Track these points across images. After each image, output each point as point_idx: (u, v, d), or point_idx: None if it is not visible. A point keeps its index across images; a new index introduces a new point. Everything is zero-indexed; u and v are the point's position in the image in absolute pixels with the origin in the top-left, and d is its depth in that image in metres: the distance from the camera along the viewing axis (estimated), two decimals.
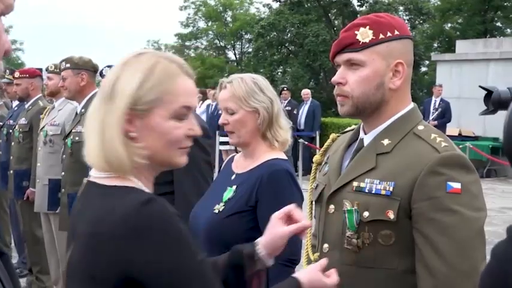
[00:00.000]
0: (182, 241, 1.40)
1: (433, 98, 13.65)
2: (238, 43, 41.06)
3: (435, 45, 35.93)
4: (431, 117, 13.25)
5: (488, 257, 1.75)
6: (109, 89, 1.47)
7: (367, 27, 1.82)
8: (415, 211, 1.73)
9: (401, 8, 34.39)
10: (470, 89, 13.05)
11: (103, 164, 1.46)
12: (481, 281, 1.22)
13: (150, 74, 1.45)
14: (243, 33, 39.55)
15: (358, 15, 31.44)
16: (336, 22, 33.34)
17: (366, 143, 1.90)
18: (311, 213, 2.04)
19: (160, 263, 1.37)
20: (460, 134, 13.97)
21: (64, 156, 4.38)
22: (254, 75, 2.62)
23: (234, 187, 2.49)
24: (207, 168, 3.16)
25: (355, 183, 1.83)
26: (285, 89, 14.73)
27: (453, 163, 1.75)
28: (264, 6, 35.83)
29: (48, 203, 4.57)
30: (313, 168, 2.07)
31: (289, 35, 31.33)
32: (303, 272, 1.66)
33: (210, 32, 40.63)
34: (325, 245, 1.89)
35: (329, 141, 2.08)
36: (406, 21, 34.70)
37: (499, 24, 31.70)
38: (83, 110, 4.39)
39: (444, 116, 13.34)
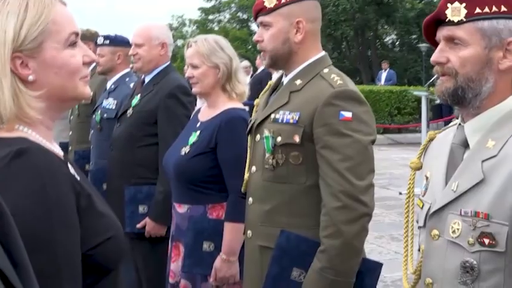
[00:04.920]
0: (47, 200, 1.28)
1: None
2: None
3: None
4: None
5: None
6: None
7: None
8: (315, 135, 2.14)
9: None
10: None
11: None
12: None
13: (25, 12, 1.36)
14: None
15: None
16: None
17: (284, 83, 2.31)
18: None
19: (21, 217, 1.18)
20: None
21: (72, 117, 4.81)
22: (217, 36, 3.07)
23: (198, 132, 2.90)
24: (187, 122, 3.51)
25: (272, 115, 2.24)
26: None
27: (345, 96, 2.14)
28: None
29: None
30: (255, 108, 2.47)
31: None
32: None
33: (233, 5, 40.77)
34: (253, 167, 2.31)
35: (266, 87, 2.49)
36: None
37: None
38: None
39: None
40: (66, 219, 1.30)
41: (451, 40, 1.59)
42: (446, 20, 1.59)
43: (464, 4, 1.57)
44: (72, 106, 1.51)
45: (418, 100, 14.29)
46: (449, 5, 1.59)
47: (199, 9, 41.63)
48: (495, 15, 1.57)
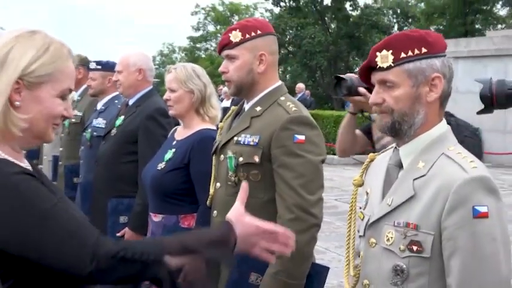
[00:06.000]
0: (20, 196, 1.34)
1: None
2: None
3: None
4: None
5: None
6: (1, 57, 1.42)
7: (237, 30, 2.29)
8: (272, 156, 2.21)
9: (390, 11, 34.54)
10: None
11: None
12: None
13: (45, 52, 1.44)
14: None
15: (351, 19, 31.70)
16: (332, 25, 33.46)
17: (246, 109, 2.36)
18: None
19: (3, 219, 1.32)
20: None
21: (62, 134, 4.83)
22: (194, 64, 3.14)
23: (173, 150, 2.95)
24: (164, 141, 3.54)
25: (235, 138, 2.30)
26: None
27: (299, 122, 2.21)
28: (266, 11, 36.18)
29: (51, 174, 5.00)
30: (219, 130, 2.52)
31: (288, 36, 31.52)
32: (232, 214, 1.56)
33: (219, 35, 40.93)
34: (218, 184, 2.37)
35: (229, 112, 2.54)
36: (394, 23, 34.87)
37: (478, 26, 31.78)
38: (79, 98, 4.85)
39: None
40: (47, 202, 1.35)
41: (384, 83, 1.68)
42: (377, 67, 1.68)
43: (390, 51, 1.66)
44: (33, 145, 1.56)
45: None
46: (378, 53, 1.68)
47: (188, 37, 41.84)
48: (418, 57, 1.66)
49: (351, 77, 2.73)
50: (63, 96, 1.48)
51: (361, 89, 2.69)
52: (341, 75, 2.75)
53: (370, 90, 2.58)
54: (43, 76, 1.43)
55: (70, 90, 1.50)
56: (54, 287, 1.40)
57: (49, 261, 1.34)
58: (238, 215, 1.54)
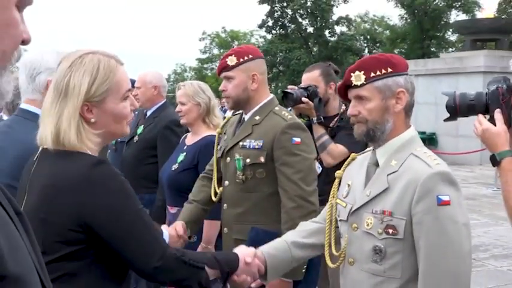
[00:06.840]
0: (125, 194, 1.36)
1: None
2: None
3: None
4: None
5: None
6: (62, 87, 1.39)
7: (233, 55, 2.26)
8: (275, 156, 2.19)
9: (362, 37, 34.61)
10: None
11: (57, 146, 1.40)
12: None
13: (97, 73, 1.40)
14: None
15: (329, 44, 31.76)
16: (314, 49, 33.51)
17: (246, 119, 2.33)
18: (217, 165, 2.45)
19: (109, 209, 1.33)
20: None
21: None
22: (200, 82, 3.13)
23: (184, 153, 2.93)
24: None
25: (241, 143, 2.27)
26: None
27: (295, 127, 2.21)
28: (260, 37, 36.24)
29: None
30: (216, 136, 2.49)
31: (278, 58, 31.59)
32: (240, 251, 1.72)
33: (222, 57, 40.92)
34: (226, 182, 2.34)
35: (225, 121, 2.53)
36: (365, 47, 34.92)
37: (433, 49, 31.90)
38: None
39: None
40: (139, 204, 1.40)
41: (358, 98, 1.69)
42: (352, 85, 1.69)
43: (362, 72, 1.68)
44: (115, 139, 1.53)
45: None
46: (352, 74, 1.69)
47: (196, 59, 41.81)
48: (385, 76, 1.67)
49: (295, 90, 2.87)
50: (125, 98, 1.45)
51: (304, 99, 2.87)
52: (287, 90, 2.92)
53: (311, 99, 2.88)
54: (103, 93, 1.40)
55: (129, 90, 1.46)
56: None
57: (127, 252, 1.35)
58: (245, 255, 1.69)
